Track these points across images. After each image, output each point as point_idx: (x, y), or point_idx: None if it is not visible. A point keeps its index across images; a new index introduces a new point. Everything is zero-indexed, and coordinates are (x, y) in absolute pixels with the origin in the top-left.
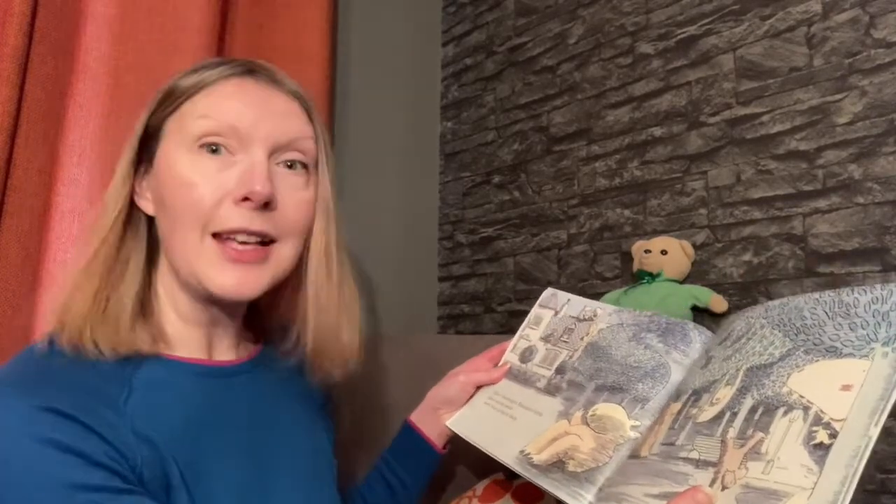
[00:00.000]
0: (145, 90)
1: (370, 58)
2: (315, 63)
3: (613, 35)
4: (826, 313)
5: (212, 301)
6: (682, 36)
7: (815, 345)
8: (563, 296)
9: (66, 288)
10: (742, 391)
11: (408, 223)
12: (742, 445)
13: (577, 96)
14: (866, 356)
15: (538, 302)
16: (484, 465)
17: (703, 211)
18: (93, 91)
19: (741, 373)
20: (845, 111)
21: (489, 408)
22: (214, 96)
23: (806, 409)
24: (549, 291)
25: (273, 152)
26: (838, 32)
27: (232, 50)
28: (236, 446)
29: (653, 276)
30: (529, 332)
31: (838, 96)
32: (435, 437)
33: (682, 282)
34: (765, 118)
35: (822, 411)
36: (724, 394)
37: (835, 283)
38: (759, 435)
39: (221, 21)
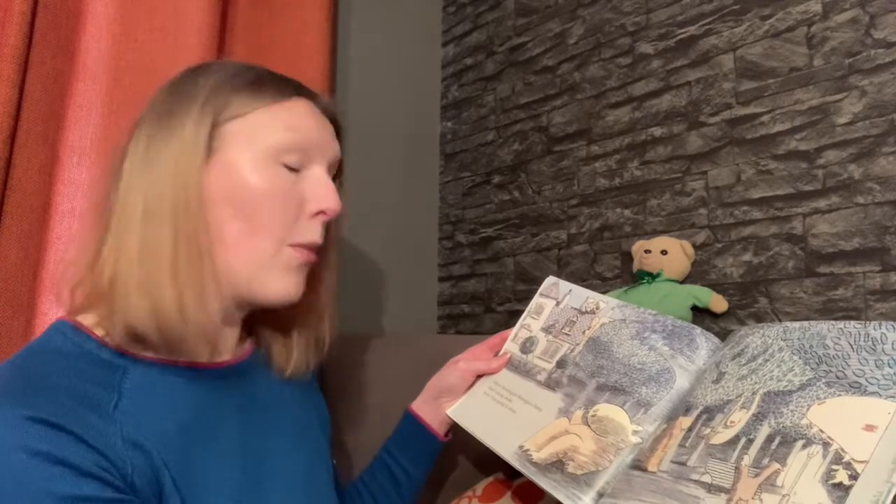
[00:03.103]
0: (145, 90)
1: (370, 58)
2: (315, 63)
3: (613, 35)
4: (850, 345)
5: (244, 303)
6: (682, 36)
7: (837, 378)
8: (564, 285)
9: (134, 287)
10: (759, 417)
11: (408, 223)
12: (757, 475)
13: (577, 96)
14: (893, 398)
15: (539, 290)
16: (484, 465)
17: (703, 211)
18: (93, 91)
19: (758, 397)
20: (845, 111)
21: (489, 398)
22: (295, 111)
23: (826, 444)
24: (550, 280)
25: (328, 170)
26: (838, 32)
27: (232, 50)
28: (230, 449)
29: (653, 276)
30: (531, 322)
31: (838, 96)
32: (436, 425)
33: (682, 282)
34: (765, 118)
35: (842, 450)
36: (740, 417)
37: (835, 283)
38: (776, 466)
39: (221, 21)
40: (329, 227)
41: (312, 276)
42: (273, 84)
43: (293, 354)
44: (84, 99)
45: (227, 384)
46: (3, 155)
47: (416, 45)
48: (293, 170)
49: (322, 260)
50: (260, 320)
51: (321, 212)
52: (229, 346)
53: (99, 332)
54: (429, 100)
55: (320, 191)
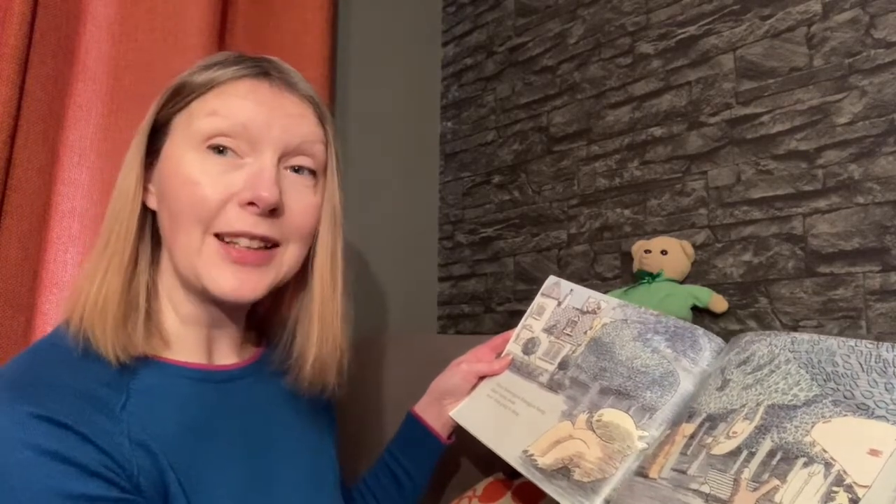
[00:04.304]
0: (145, 90)
1: (370, 58)
2: (315, 63)
3: (613, 35)
4: (861, 365)
5: (212, 301)
6: (682, 36)
7: (845, 397)
8: (566, 285)
9: (81, 285)
10: (761, 430)
11: (408, 223)
12: (756, 489)
13: (577, 96)
14: None
15: (541, 290)
16: (484, 465)
17: (703, 211)
18: (93, 91)
19: (762, 409)
20: (845, 111)
21: (492, 401)
22: (226, 95)
23: (828, 465)
24: (551, 280)
25: (282, 156)
26: (838, 32)
27: (231, 50)
28: (236, 452)
29: (653, 276)
30: (532, 323)
31: (838, 96)
32: (439, 427)
33: (682, 282)
34: (765, 118)
35: (844, 472)
36: (742, 428)
37: (835, 283)
38: (775, 482)
39: (221, 21)
40: (316, 248)
41: (300, 280)
42: (220, 68)
43: (297, 365)
44: (84, 99)
45: (234, 386)
46: (3, 155)
47: (416, 45)
48: (222, 154)
49: (312, 264)
50: (267, 324)
51: (250, 202)
52: (231, 349)
53: None
54: (429, 100)
55: (251, 179)
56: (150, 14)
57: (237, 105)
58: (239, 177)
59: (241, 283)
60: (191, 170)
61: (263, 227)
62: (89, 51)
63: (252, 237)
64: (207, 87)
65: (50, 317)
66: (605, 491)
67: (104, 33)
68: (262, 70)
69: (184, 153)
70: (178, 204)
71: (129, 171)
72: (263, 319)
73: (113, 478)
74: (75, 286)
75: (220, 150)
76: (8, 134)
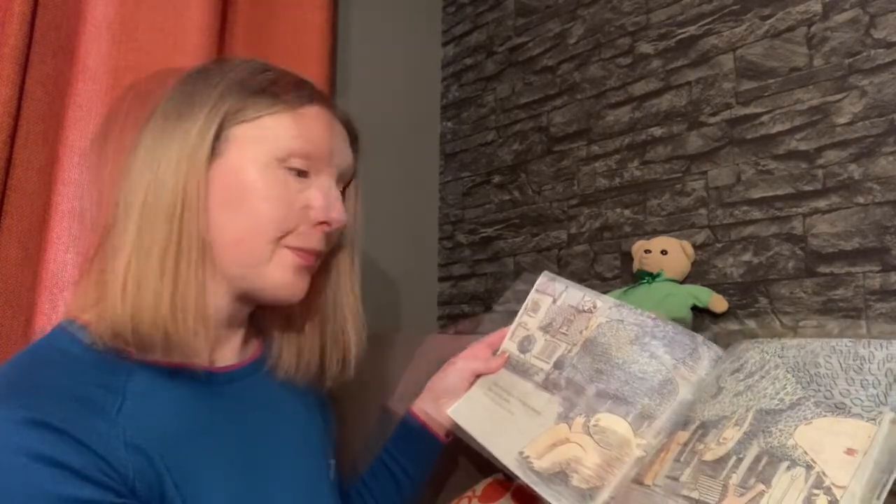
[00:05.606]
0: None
1: (370, 58)
2: (315, 63)
3: (613, 35)
4: (840, 364)
5: (247, 301)
6: (682, 36)
7: (825, 398)
8: (560, 282)
9: (135, 285)
10: (749, 435)
11: (408, 223)
12: (742, 494)
13: (577, 96)
14: (873, 420)
15: (535, 286)
16: (484, 465)
17: (703, 211)
18: (93, 91)
19: (751, 414)
20: (845, 111)
21: (488, 399)
22: (305, 118)
23: (809, 467)
24: (545, 276)
25: (338, 179)
26: (838, 32)
27: (232, 50)
28: (232, 454)
29: (653, 277)
30: (527, 320)
31: (838, 96)
32: (436, 425)
33: (681, 282)
34: (765, 118)
35: (824, 473)
36: (732, 434)
37: (835, 283)
38: (761, 487)
39: (221, 21)
40: (338, 257)
41: (318, 278)
42: (288, 90)
43: (297, 358)
44: (84, 99)
45: (230, 389)
46: (3, 155)
47: (416, 45)
48: (300, 176)
49: (329, 264)
50: (267, 322)
51: (324, 222)
52: (233, 349)
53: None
54: (429, 100)
55: (325, 201)
56: (150, 14)
57: (316, 130)
58: (308, 197)
59: (297, 285)
60: (265, 185)
61: (323, 245)
62: (89, 51)
63: (317, 252)
64: (284, 107)
65: (50, 317)
66: (603, 498)
67: (104, 33)
68: (322, 97)
69: (257, 167)
70: (253, 216)
71: (188, 170)
72: (262, 317)
73: (107, 481)
74: (125, 287)
75: (296, 171)
76: (8, 134)
